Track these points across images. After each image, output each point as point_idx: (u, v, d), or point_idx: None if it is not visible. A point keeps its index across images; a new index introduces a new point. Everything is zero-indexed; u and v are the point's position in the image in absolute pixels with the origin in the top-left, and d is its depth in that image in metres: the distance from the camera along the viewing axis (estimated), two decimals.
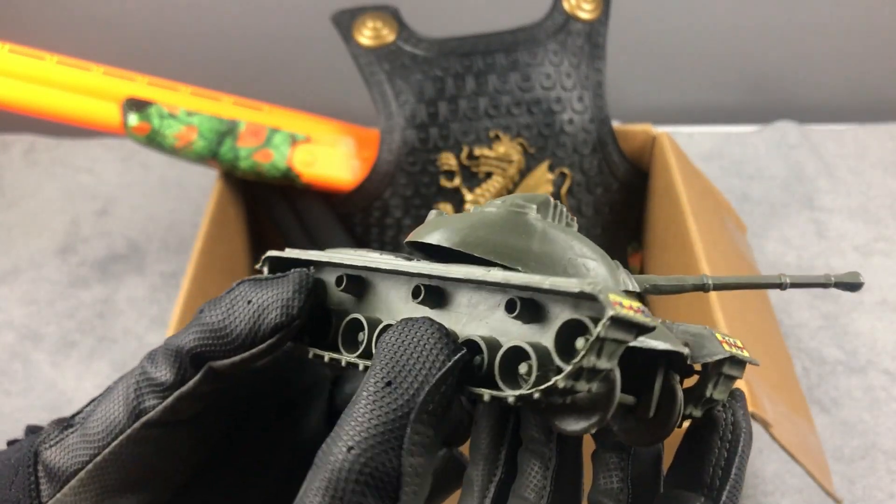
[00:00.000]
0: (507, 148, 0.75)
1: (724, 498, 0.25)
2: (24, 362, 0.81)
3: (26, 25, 1.06)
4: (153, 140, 0.71)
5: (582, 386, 0.21)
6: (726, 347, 0.25)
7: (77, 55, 0.72)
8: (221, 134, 0.72)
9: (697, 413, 0.26)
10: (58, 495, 0.28)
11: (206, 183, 0.97)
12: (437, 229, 0.26)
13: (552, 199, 0.26)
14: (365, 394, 0.22)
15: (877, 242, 0.92)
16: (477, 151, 0.74)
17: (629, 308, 0.20)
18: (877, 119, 1.11)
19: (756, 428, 0.72)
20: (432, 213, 0.29)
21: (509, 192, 0.76)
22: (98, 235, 0.96)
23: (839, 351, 0.80)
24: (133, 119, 0.69)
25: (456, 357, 0.22)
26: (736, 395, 0.27)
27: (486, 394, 0.22)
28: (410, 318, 0.23)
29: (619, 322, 0.20)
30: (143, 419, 0.27)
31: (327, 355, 0.27)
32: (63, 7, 1.04)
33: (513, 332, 0.22)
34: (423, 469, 0.22)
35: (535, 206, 0.26)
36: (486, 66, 0.75)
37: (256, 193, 0.78)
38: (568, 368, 0.20)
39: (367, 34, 0.76)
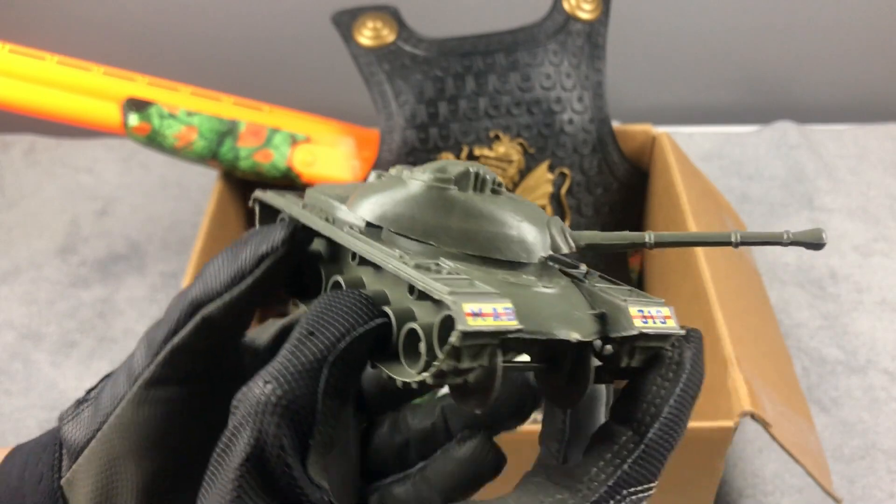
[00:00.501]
0: (507, 148, 0.75)
1: (650, 434, 0.25)
2: (25, 362, 0.81)
3: (26, 25, 1.06)
4: (153, 140, 0.71)
5: (452, 380, 0.22)
6: (638, 323, 0.25)
7: (77, 55, 0.72)
8: (221, 134, 0.72)
9: (636, 363, 0.26)
10: (73, 466, 0.29)
11: (207, 183, 0.97)
12: (365, 199, 0.27)
13: (472, 170, 0.27)
14: (289, 341, 0.23)
15: (876, 242, 0.92)
16: (477, 151, 0.74)
17: (488, 315, 0.21)
18: (876, 119, 1.11)
19: (756, 427, 0.72)
20: (371, 175, 0.30)
21: (509, 192, 0.76)
22: (98, 235, 0.96)
23: (839, 351, 0.80)
24: (133, 119, 0.70)
25: (378, 321, 0.24)
26: (690, 337, 0.27)
27: (386, 372, 0.24)
28: (342, 289, 0.25)
29: (471, 334, 0.21)
30: (140, 379, 0.27)
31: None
32: (63, 7, 1.05)
33: (418, 308, 0.24)
34: (337, 412, 0.23)
35: (453, 178, 0.26)
36: (486, 67, 0.75)
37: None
38: (431, 371, 0.21)
39: (367, 34, 0.76)
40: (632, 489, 0.26)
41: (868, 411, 0.74)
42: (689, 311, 0.66)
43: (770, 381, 0.59)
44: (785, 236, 0.25)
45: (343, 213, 0.28)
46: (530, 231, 0.26)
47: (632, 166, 0.79)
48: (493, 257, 0.25)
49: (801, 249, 0.91)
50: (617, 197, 0.78)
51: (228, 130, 0.72)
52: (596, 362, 0.25)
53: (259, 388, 0.22)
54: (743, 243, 0.25)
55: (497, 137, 0.75)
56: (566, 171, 0.76)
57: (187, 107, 0.71)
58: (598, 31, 0.78)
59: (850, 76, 1.13)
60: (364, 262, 0.27)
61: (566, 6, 0.78)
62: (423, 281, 0.22)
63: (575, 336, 0.24)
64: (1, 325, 0.85)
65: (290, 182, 0.74)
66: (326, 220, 0.28)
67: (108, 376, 0.30)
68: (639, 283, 0.83)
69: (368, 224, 0.27)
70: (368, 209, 0.27)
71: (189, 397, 0.28)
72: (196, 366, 0.28)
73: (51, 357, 0.82)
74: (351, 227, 0.27)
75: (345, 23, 0.77)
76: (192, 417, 0.29)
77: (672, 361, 0.26)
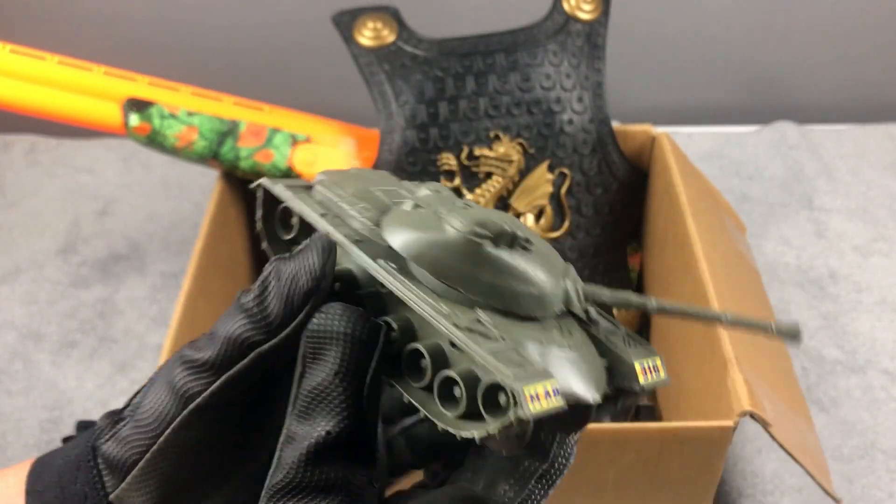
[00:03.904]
0: (507, 148, 0.75)
1: (552, 453, 0.28)
2: (25, 362, 0.81)
3: (27, 25, 1.06)
4: (154, 140, 0.71)
5: (492, 443, 0.24)
6: (641, 379, 0.27)
7: (78, 55, 0.72)
8: (222, 134, 0.72)
9: (605, 420, 0.29)
10: (122, 485, 0.29)
11: (207, 183, 0.97)
12: (399, 229, 0.28)
13: (508, 229, 0.28)
14: (322, 383, 0.25)
15: (876, 242, 0.92)
16: (477, 152, 0.74)
17: (543, 397, 0.23)
18: (876, 119, 1.11)
19: (755, 427, 0.72)
20: (425, 189, 0.31)
21: (509, 192, 0.76)
22: (99, 235, 0.96)
23: (838, 351, 0.80)
24: (134, 119, 0.70)
25: (381, 335, 0.26)
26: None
27: (423, 411, 0.25)
28: (332, 307, 0.26)
29: (524, 420, 0.23)
30: (192, 405, 0.28)
31: None
32: (63, 7, 1.05)
33: (454, 351, 0.25)
34: (376, 423, 0.26)
35: (489, 239, 0.27)
36: (486, 67, 0.75)
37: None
38: (483, 433, 0.24)
39: (368, 35, 0.76)
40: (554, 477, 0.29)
41: (867, 411, 0.74)
42: None
43: (770, 381, 0.59)
44: (770, 326, 0.27)
45: (362, 226, 0.29)
46: (551, 287, 0.28)
47: (632, 166, 0.79)
48: (515, 311, 0.27)
49: (801, 249, 0.91)
50: (617, 197, 0.78)
51: (229, 130, 0.72)
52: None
53: (318, 435, 0.25)
54: (733, 323, 0.27)
55: (497, 137, 0.75)
56: (566, 171, 0.76)
57: (188, 107, 0.71)
58: (598, 32, 0.78)
59: (849, 76, 1.13)
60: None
61: (566, 6, 0.78)
62: (481, 356, 0.24)
63: (597, 398, 0.26)
64: (1, 325, 0.85)
65: None
66: (348, 236, 0.28)
67: (138, 392, 0.30)
68: (639, 282, 0.83)
69: (391, 249, 0.28)
70: (401, 241, 0.28)
71: (240, 413, 0.29)
72: (249, 392, 0.29)
73: (51, 357, 0.82)
74: (376, 256, 0.28)
75: (345, 23, 0.77)
76: (241, 429, 0.30)
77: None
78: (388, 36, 0.76)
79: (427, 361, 0.25)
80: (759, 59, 1.12)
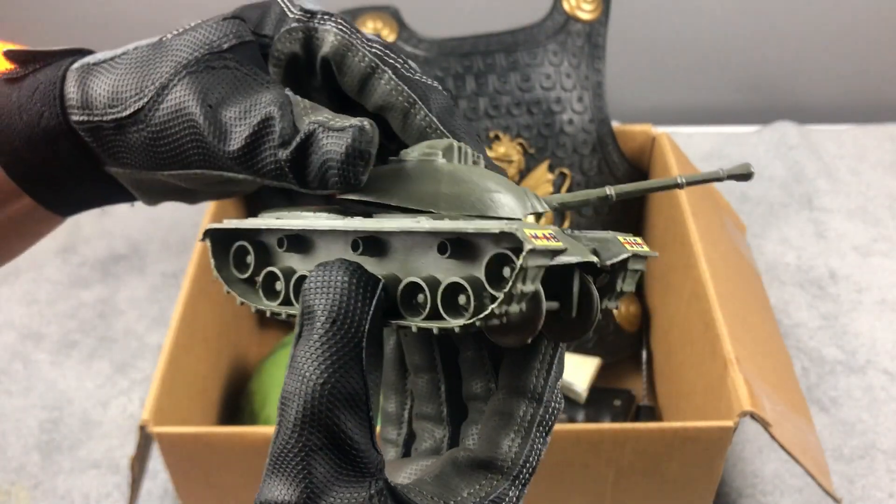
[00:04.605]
0: (507, 148, 0.75)
1: (545, 396, 0.28)
2: (25, 362, 0.81)
3: (26, 25, 1.06)
4: None
5: (514, 308, 0.24)
6: (629, 247, 0.29)
7: None
8: None
9: (612, 305, 0.30)
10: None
11: None
12: (370, 185, 0.29)
13: (455, 143, 0.29)
14: (316, 334, 0.25)
15: (876, 242, 0.92)
16: None
17: (543, 238, 0.24)
18: (876, 120, 1.11)
19: (755, 427, 0.72)
20: None
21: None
22: (99, 235, 0.96)
23: (838, 351, 0.80)
24: None
25: (379, 289, 0.26)
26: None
27: (435, 326, 0.25)
28: (327, 262, 0.26)
29: (536, 252, 0.24)
30: None
31: (267, 309, 0.30)
32: (63, 7, 1.05)
33: (446, 269, 0.26)
34: (379, 381, 0.26)
35: (440, 152, 0.28)
36: (486, 67, 0.75)
37: (257, 193, 0.79)
38: (500, 296, 0.24)
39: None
40: (540, 449, 0.29)
41: (867, 411, 0.74)
42: (689, 311, 0.66)
43: (770, 381, 0.59)
44: (721, 173, 0.28)
45: (323, 215, 0.29)
46: (513, 193, 0.28)
47: (632, 166, 0.79)
48: (489, 215, 0.27)
49: (801, 249, 0.91)
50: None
51: None
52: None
53: (312, 387, 0.24)
54: (689, 184, 0.28)
55: (497, 137, 0.75)
56: (566, 171, 0.76)
57: None
58: (598, 32, 0.78)
59: (849, 76, 1.13)
60: (291, 248, 0.29)
61: (566, 6, 0.78)
62: (475, 226, 0.24)
63: (594, 259, 0.27)
64: (1, 325, 0.85)
65: None
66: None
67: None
68: (639, 282, 0.83)
69: (362, 202, 0.28)
70: (370, 192, 0.28)
71: None
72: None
73: (51, 357, 0.82)
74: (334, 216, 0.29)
75: None
76: None
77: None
78: (388, 36, 0.76)
79: (423, 285, 0.26)
80: (759, 60, 1.12)
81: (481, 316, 0.24)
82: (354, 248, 0.27)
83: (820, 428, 0.72)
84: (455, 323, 0.25)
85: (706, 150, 1.05)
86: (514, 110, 0.75)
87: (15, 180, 0.33)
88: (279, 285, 0.29)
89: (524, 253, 0.23)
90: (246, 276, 0.31)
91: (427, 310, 0.26)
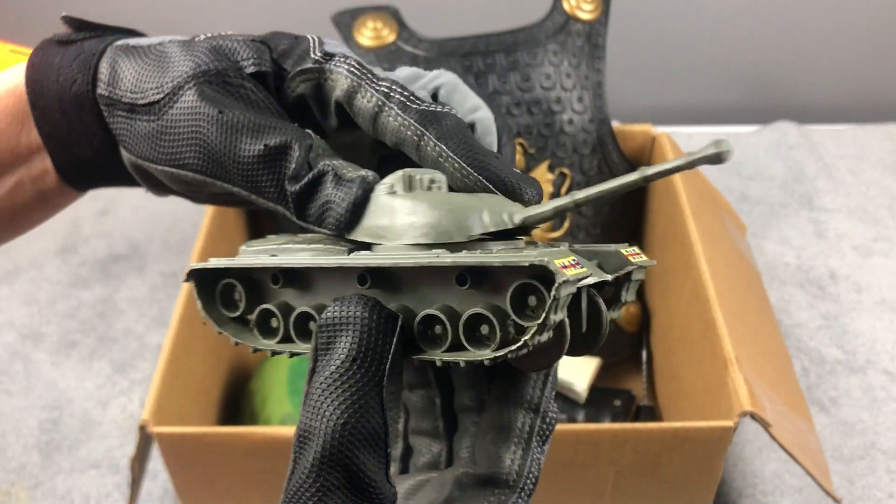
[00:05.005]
0: None
1: (542, 407, 0.28)
2: (25, 362, 0.81)
3: (27, 25, 1.06)
4: None
5: (544, 338, 0.24)
6: (632, 259, 0.29)
7: None
8: None
9: (616, 315, 0.30)
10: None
11: None
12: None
13: (409, 173, 0.28)
14: (336, 371, 0.25)
15: (876, 242, 0.92)
16: None
17: (570, 266, 0.24)
18: (876, 119, 1.11)
19: (755, 427, 0.72)
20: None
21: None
22: (99, 235, 0.96)
23: (838, 351, 0.80)
24: None
25: (399, 324, 0.25)
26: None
27: (462, 360, 0.25)
28: (344, 297, 0.26)
29: (567, 283, 0.24)
30: None
31: (269, 349, 0.29)
32: (63, 7, 1.04)
33: (463, 300, 0.26)
34: (397, 417, 0.27)
35: (397, 183, 0.28)
36: (486, 67, 0.75)
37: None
38: (533, 326, 0.24)
39: (368, 34, 0.76)
40: (540, 458, 0.29)
41: (868, 411, 0.74)
42: (689, 311, 0.66)
43: (770, 381, 0.59)
44: (689, 159, 0.25)
45: (312, 250, 0.29)
46: (472, 211, 0.28)
47: (632, 166, 0.79)
48: (456, 241, 0.27)
49: (801, 249, 0.91)
50: (617, 197, 0.78)
51: None
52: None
53: (333, 426, 0.24)
54: (655, 176, 0.26)
55: None
56: (566, 171, 0.76)
57: None
58: (598, 32, 0.78)
59: (850, 76, 1.13)
60: (287, 283, 0.28)
61: (566, 6, 0.78)
62: (501, 259, 0.24)
63: (608, 277, 0.28)
64: (1, 325, 0.85)
65: None
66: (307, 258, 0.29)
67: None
68: None
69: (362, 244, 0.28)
70: (358, 231, 0.29)
71: None
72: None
73: (51, 357, 0.82)
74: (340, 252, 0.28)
75: (345, 23, 0.77)
76: None
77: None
78: (389, 36, 0.76)
79: (443, 317, 0.25)
80: (759, 59, 1.12)
81: (513, 348, 0.24)
82: (362, 282, 0.27)
83: (820, 428, 0.72)
84: (483, 355, 0.25)
85: None
86: (514, 110, 0.75)
87: (42, 136, 0.34)
88: (276, 322, 0.29)
89: (557, 284, 0.23)
90: (237, 314, 0.30)
91: (448, 342, 0.25)
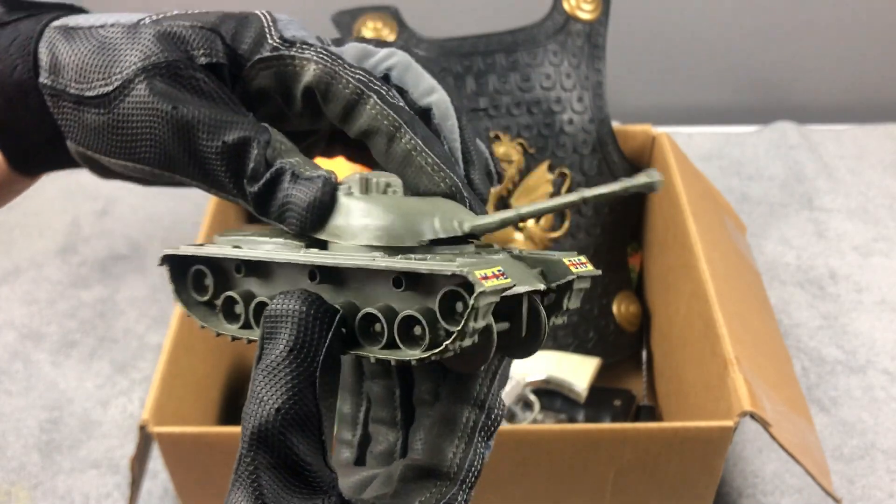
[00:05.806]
0: (507, 148, 0.75)
1: (488, 403, 0.29)
2: (25, 362, 0.81)
3: None
4: None
5: (467, 342, 0.26)
6: (573, 269, 0.30)
7: None
8: None
9: (559, 321, 0.31)
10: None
11: None
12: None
13: (366, 175, 0.29)
14: (274, 361, 0.26)
15: (876, 242, 0.92)
16: None
17: (492, 277, 0.25)
18: (876, 119, 1.11)
19: (755, 427, 0.72)
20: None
21: (509, 192, 0.76)
22: (99, 235, 0.96)
23: (838, 351, 0.80)
24: None
25: (336, 320, 0.27)
26: None
27: (392, 358, 0.26)
28: (287, 292, 0.27)
29: (486, 293, 0.25)
30: None
31: (230, 334, 0.30)
32: None
33: (402, 300, 0.27)
34: (334, 406, 0.27)
35: (354, 185, 0.29)
36: (486, 67, 0.75)
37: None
38: (454, 332, 0.25)
39: (368, 34, 0.76)
40: (484, 451, 0.30)
41: (867, 411, 0.74)
42: (689, 311, 0.66)
43: (770, 381, 0.59)
44: (625, 185, 0.27)
45: (274, 245, 0.30)
46: (423, 217, 0.29)
47: (632, 166, 0.79)
48: (407, 245, 0.28)
49: (801, 249, 0.91)
50: (617, 198, 0.78)
51: None
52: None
53: (268, 413, 0.26)
54: (594, 198, 0.27)
55: (497, 138, 0.75)
56: (566, 171, 0.76)
57: None
58: (598, 32, 0.78)
59: (850, 76, 1.13)
60: (250, 274, 0.30)
61: (566, 6, 0.78)
62: (427, 265, 0.26)
63: (541, 286, 0.28)
64: (1, 325, 0.85)
65: None
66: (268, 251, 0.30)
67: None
68: (638, 282, 0.83)
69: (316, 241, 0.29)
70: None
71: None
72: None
73: (51, 357, 0.82)
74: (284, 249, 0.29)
75: (345, 23, 0.77)
76: None
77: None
78: (389, 36, 0.76)
79: (380, 315, 0.27)
80: (759, 60, 1.12)
81: (436, 350, 0.26)
82: (312, 277, 0.28)
83: (820, 428, 0.72)
84: (411, 355, 0.26)
85: (706, 150, 1.05)
86: (514, 110, 0.75)
87: None
88: (238, 309, 0.30)
89: (475, 294, 0.24)
90: (205, 299, 0.31)
91: (384, 339, 0.27)
